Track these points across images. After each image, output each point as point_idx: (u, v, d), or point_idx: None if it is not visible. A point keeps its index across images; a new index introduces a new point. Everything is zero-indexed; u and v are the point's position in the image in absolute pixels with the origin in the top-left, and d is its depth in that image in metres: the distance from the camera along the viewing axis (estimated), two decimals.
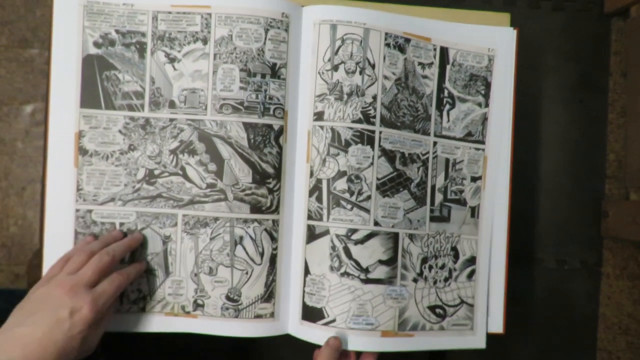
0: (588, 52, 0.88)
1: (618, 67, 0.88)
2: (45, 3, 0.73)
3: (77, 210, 0.67)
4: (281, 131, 0.68)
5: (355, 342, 0.68)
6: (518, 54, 0.75)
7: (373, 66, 0.69)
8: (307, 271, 0.69)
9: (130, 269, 0.63)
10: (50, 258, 0.65)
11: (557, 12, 0.87)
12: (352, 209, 0.67)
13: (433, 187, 0.71)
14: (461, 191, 0.71)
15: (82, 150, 0.68)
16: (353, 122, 0.67)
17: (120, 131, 0.68)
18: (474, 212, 0.72)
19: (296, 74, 0.69)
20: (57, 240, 0.66)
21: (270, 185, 0.67)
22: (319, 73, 0.68)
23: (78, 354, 0.56)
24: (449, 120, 0.72)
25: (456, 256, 0.71)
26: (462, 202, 0.72)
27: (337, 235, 0.67)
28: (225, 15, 0.67)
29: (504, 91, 0.74)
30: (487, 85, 0.73)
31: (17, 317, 0.54)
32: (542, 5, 0.87)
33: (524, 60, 0.79)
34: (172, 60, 0.69)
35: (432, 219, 0.71)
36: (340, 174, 0.68)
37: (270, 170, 0.67)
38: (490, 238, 0.73)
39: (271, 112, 0.67)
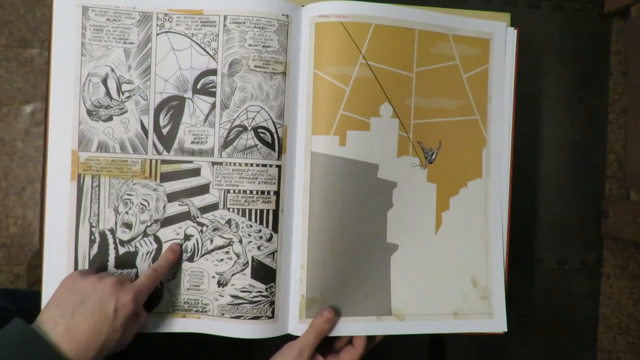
0: (588, 52, 0.83)
1: (618, 67, 0.84)
2: (45, 3, 0.70)
3: None
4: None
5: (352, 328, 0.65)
6: (518, 54, 0.72)
7: None
8: None
9: (160, 262, 0.61)
10: (50, 258, 0.62)
11: (557, 12, 0.83)
12: None
13: None
14: None
15: None
16: None
17: None
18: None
19: (296, 78, 0.67)
20: (57, 240, 0.64)
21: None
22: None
23: (115, 348, 0.55)
24: None
25: None
26: None
27: None
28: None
29: (503, 91, 0.71)
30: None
31: (63, 306, 0.53)
32: (542, 5, 0.83)
33: (524, 60, 0.76)
34: None
35: None
36: None
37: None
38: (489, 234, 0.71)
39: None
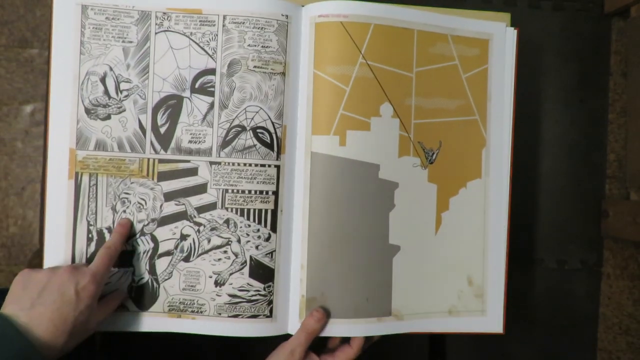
0: (588, 52, 0.83)
1: (618, 67, 0.83)
2: (45, 3, 0.69)
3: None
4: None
5: (346, 329, 0.64)
6: (518, 54, 0.71)
7: None
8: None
9: (112, 238, 0.61)
10: (50, 258, 0.62)
11: (557, 12, 0.82)
12: None
13: None
14: None
15: None
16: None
17: None
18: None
19: (296, 78, 0.66)
20: (57, 240, 0.64)
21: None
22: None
23: (85, 331, 0.56)
24: None
25: None
26: None
27: None
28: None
29: (503, 91, 0.71)
30: None
31: (22, 300, 0.52)
32: (542, 5, 0.82)
33: (524, 60, 0.75)
34: None
35: None
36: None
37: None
38: (486, 236, 0.70)
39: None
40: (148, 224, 0.64)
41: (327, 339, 0.65)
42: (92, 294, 0.55)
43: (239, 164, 0.64)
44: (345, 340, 0.65)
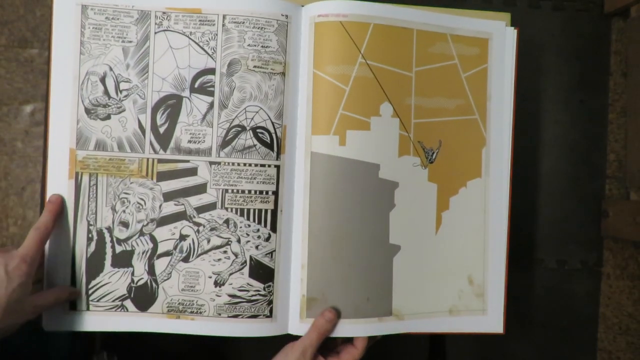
0: (588, 52, 0.82)
1: (618, 67, 0.83)
2: (45, 3, 0.69)
3: None
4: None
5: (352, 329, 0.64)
6: (518, 54, 0.71)
7: None
8: None
9: (42, 218, 0.61)
10: (49, 256, 0.62)
11: (557, 12, 0.82)
12: None
13: None
14: None
15: None
16: None
17: None
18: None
19: (296, 78, 0.66)
20: (56, 238, 0.63)
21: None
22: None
23: (21, 313, 0.56)
24: None
25: None
26: None
27: None
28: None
29: (502, 90, 0.70)
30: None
31: None
32: (542, 5, 0.82)
33: (524, 60, 0.75)
34: None
35: None
36: None
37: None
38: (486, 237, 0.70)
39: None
40: (147, 224, 0.63)
41: (330, 339, 0.65)
42: (23, 273, 0.55)
43: (238, 164, 0.63)
44: (347, 341, 0.64)
